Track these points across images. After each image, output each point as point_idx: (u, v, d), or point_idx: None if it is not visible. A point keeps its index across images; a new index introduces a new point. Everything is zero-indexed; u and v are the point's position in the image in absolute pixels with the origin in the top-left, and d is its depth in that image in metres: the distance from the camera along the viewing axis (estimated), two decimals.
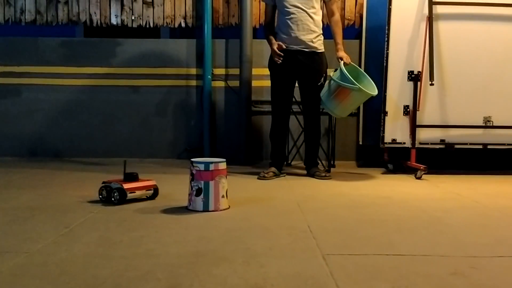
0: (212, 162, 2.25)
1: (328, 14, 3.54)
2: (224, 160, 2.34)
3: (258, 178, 3.33)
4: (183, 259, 1.48)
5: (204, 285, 1.26)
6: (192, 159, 2.29)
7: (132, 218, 2.06)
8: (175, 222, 2.01)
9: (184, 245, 1.64)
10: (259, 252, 1.58)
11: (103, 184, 2.42)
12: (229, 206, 2.32)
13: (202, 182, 2.23)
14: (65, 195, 2.59)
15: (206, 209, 2.22)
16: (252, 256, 1.53)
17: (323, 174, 3.44)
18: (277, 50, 3.32)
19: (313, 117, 3.51)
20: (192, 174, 2.26)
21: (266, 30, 3.49)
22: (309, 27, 3.35)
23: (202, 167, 2.24)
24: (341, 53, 3.43)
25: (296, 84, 3.55)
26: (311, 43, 3.37)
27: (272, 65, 3.47)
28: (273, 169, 3.46)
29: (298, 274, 1.36)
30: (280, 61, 3.33)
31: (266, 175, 3.36)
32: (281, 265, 1.44)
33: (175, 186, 2.86)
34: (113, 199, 2.34)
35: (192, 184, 2.26)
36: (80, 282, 1.28)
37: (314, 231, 1.87)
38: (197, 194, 2.23)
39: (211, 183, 2.24)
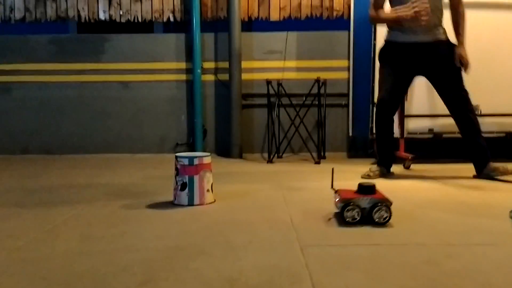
0: (196, 157, 2.26)
1: (452, 4, 2.99)
2: (209, 154, 2.36)
3: (362, 177, 2.98)
4: (162, 254, 1.50)
5: (180, 279, 1.28)
6: (176, 154, 2.30)
7: (116, 214, 2.07)
8: (158, 217, 2.02)
9: (164, 240, 1.66)
10: (239, 245, 1.60)
11: (345, 203, 1.85)
12: (215, 200, 2.33)
13: (187, 176, 2.24)
14: (52, 192, 2.60)
15: (191, 203, 2.24)
16: (230, 249, 1.54)
17: (510, 173, 2.82)
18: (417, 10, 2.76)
19: (465, 106, 2.94)
20: (176, 169, 2.28)
21: (376, 12, 3.02)
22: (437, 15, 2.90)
23: (186, 161, 2.25)
24: (461, 50, 2.93)
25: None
26: (436, 31, 2.93)
27: (386, 57, 3.06)
28: (381, 168, 3.09)
29: (274, 266, 1.38)
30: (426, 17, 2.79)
31: (371, 173, 3.02)
32: (258, 258, 1.46)
33: (164, 181, 2.88)
34: (377, 218, 1.81)
35: (177, 179, 2.27)
36: (56, 278, 1.29)
37: (296, 223, 1.88)
38: (182, 189, 2.25)
39: (196, 177, 2.25)
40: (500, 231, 1.74)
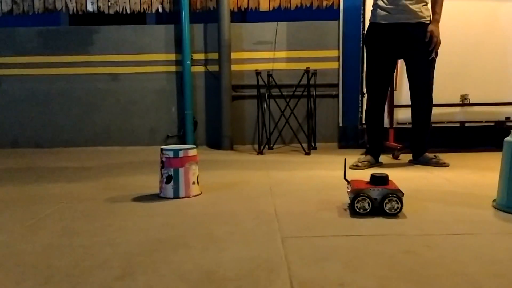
0: (181, 149, 2.26)
1: None
2: (195, 146, 2.35)
3: (350, 168, 2.97)
4: (143, 247, 1.50)
5: (157, 272, 1.28)
6: (162, 147, 2.30)
7: (101, 207, 2.07)
8: (143, 209, 2.02)
9: (146, 233, 1.66)
10: (221, 237, 1.60)
11: (356, 193, 1.84)
12: (201, 192, 2.33)
13: (172, 169, 2.24)
14: (38, 186, 2.59)
15: (176, 196, 2.24)
16: (212, 242, 1.55)
17: (441, 162, 3.06)
18: None
19: (424, 98, 3.07)
20: (162, 162, 2.27)
21: None
22: None
23: (171, 154, 2.24)
24: (433, 27, 2.95)
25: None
26: (420, 13, 2.95)
27: (370, 40, 3.08)
28: (368, 157, 3.10)
29: (253, 258, 1.38)
30: None
31: (360, 164, 3.03)
32: (239, 250, 1.46)
33: (152, 174, 2.87)
34: (388, 209, 1.81)
35: (162, 172, 2.27)
36: (34, 272, 1.29)
37: (280, 214, 1.89)
38: (168, 181, 2.24)
39: (181, 170, 2.24)
40: (481, 220, 1.75)
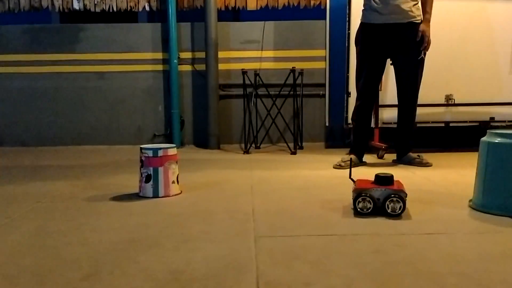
0: (160, 148, 2.25)
1: None
2: (174, 146, 2.34)
3: (334, 167, 3.02)
4: (114, 246, 1.49)
5: (124, 272, 1.27)
6: (141, 146, 2.29)
7: (78, 206, 2.06)
8: (120, 209, 2.01)
9: (120, 232, 1.65)
10: (194, 236, 1.60)
11: (358, 193, 1.83)
12: (181, 191, 2.33)
13: (151, 168, 2.23)
14: (18, 185, 2.57)
15: (156, 195, 2.23)
16: (185, 241, 1.54)
17: (425, 161, 3.08)
18: None
19: (410, 98, 3.09)
20: (141, 161, 2.26)
21: None
22: None
23: (150, 153, 2.23)
24: (424, 27, 2.97)
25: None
26: (411, 13, 2.95)
27: (360, 40, 3.08)
28: (352, 157, 3.01)
29: (223, 257, 1.38)
30: None
31: (343, 163, 3.02)
32: (210, 249, 1.46)
33: (135, 173, 2.85)
34: (390, 210, 1.78)
35: (141, 171, 2.26)
36: (0, 272, 1.28)
37: (257, 213, 1.88)
38: (147, 181, 2.24)
39: (160, 169, 2.23)
40: (456, 220, 1.76)
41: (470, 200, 1.98)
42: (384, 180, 1.85)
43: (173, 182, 2.28)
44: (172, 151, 2.29)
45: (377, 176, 1.87)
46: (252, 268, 1.30)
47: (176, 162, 2.32)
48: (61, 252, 1.45)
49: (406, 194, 1.82)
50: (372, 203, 1.80)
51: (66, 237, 1.60)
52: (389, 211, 1.78)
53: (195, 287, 1.18)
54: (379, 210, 1.80)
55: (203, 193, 2.33)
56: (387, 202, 1.78)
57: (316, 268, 1.29)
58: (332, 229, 1.67)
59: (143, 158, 2.25)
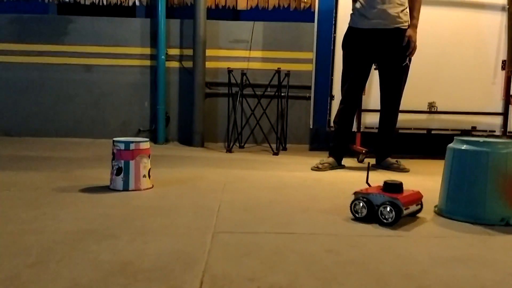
0: (132, 142, 2.25)
1: None
2: (147, 140, 2.34)
3: (312, 169, 3.02)
4: (69, 236, 1.49)
5: (72, 261, 1.27)
6: (114, 139, 2.29)
7: (45, 196, 2.05)
8: (87, 200, 2.01)
9: (79, 223, 1.65)
10: (153, 229, 1.60)
11: (356, 196, 1.80)
12: (153, 186, 2.33)
13: (123, 161, 2.23)
14: None
15: (126, 188, 2.23)
16: (141, 234, 1.54)
17: (402, 167, 3.10)
18: None
19: (393, 103, 3.12)
20: (113, 153, 2.26)
21: None
22: None
23: (122, 146, 2.23)
24: (411, 32, 2.98)
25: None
26: (398, 18, 2.96)
27: (347, 44, 3.09)
28: (330, 160, 3.10)
29: (176, 251, 1.38)
30: None
31: (320, 166, 3.03)
32: (165, 242, 1.46)
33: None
34: (383, 217, 1.71)
35: (113, 163, 2.26)
36: None
37: (222, 210, 1.89)
38: (118, 173, 2.23)
39: (132, 162, 2.23)
40: (416, 224, 1.77)
41: (435, 206, 1.99)
42: (391, 188, 1.76)
43: (144, 176, 2.28)
44: (145, 145, 2.30)
45: (385, 183, 1.80)
46: (201, 262, 1.30)
47: (149, 157, 2.32)
48: (16, 239, 1.44)
49: (404, 205, 1.70)
50: (366, 208, 1.74)
51: (24, 225, 1.60)
52: (381, 218, 1.71)
53: (140, 278, 1.18)
54: (376, 217, 1.73)
55: (174, 188, 2.33)
56: (381, 209, 1.72)
57: (264, 264, 1.29)
58: (292, 227, 1.67)
59: (114, 151, 2.25)
